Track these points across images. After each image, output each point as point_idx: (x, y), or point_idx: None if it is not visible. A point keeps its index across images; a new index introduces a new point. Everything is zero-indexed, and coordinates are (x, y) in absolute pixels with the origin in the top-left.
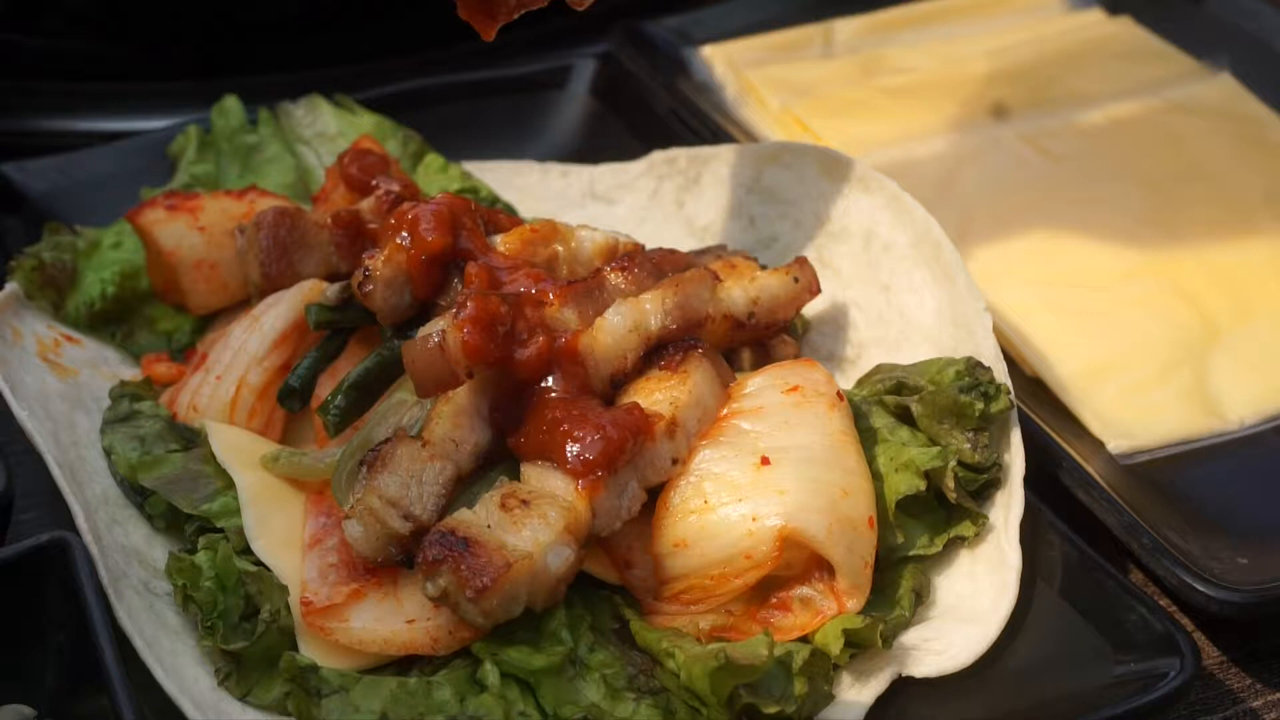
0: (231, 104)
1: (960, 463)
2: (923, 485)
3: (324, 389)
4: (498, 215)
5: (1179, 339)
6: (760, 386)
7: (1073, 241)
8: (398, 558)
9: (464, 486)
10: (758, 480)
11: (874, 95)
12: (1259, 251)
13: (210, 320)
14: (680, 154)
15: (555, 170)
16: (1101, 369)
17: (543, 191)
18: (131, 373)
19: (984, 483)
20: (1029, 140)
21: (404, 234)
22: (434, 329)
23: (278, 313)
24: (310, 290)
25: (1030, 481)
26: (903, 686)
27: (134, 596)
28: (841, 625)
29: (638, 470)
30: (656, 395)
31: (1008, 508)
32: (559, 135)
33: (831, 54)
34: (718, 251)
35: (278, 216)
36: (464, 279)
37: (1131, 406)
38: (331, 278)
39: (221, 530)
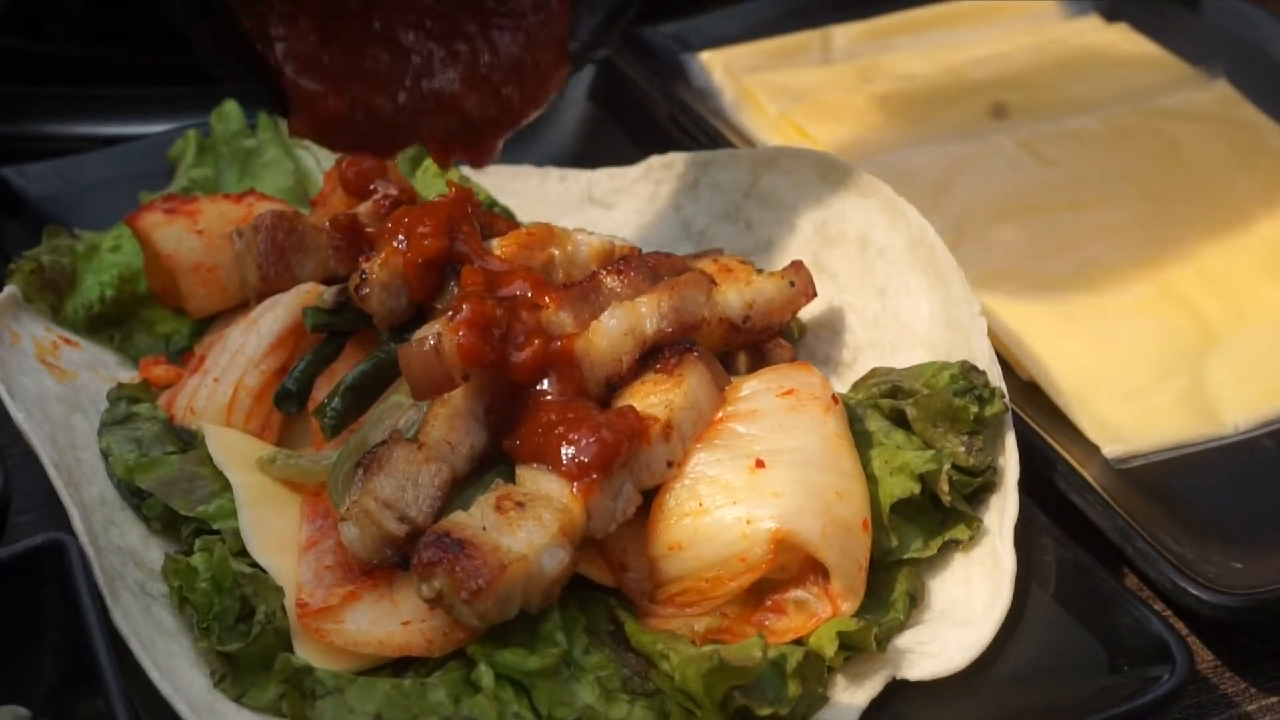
0: (231, 108)
1: (955, 466)
2: (917, 488)
3: (321, 391)
4: (495, 219)
5: (1174, 344)
6: (755, 390)
7: (1068, 246)
8: (393, 560)
9: (459, 489)
10: (752, 483)
11: (871, 101)
12: (1255, 257)
13: (208, 323)
14: (678, 159)
15: (553, 175)
16: (1097, 373)
17: (541, 196)
18: (129, 375)
19: (978, 486)
20: (1025, 145)
21: (400, 237)
22: (429, 332)
23: (275, 316)
24: (307, 293)
25: (1025, 485)
26: (897, 689)
27: (130, 598)
28: (836, 628)
29: (633, 473)
30: (652, 398)
31: (1002, 511)
32: (557, 140)
33: (829, 60)
34: (714, 255)
35: (275, 220)
36: (460, 283)
37: (1126, 411)
38: (329, 281)
39: (218, 532)
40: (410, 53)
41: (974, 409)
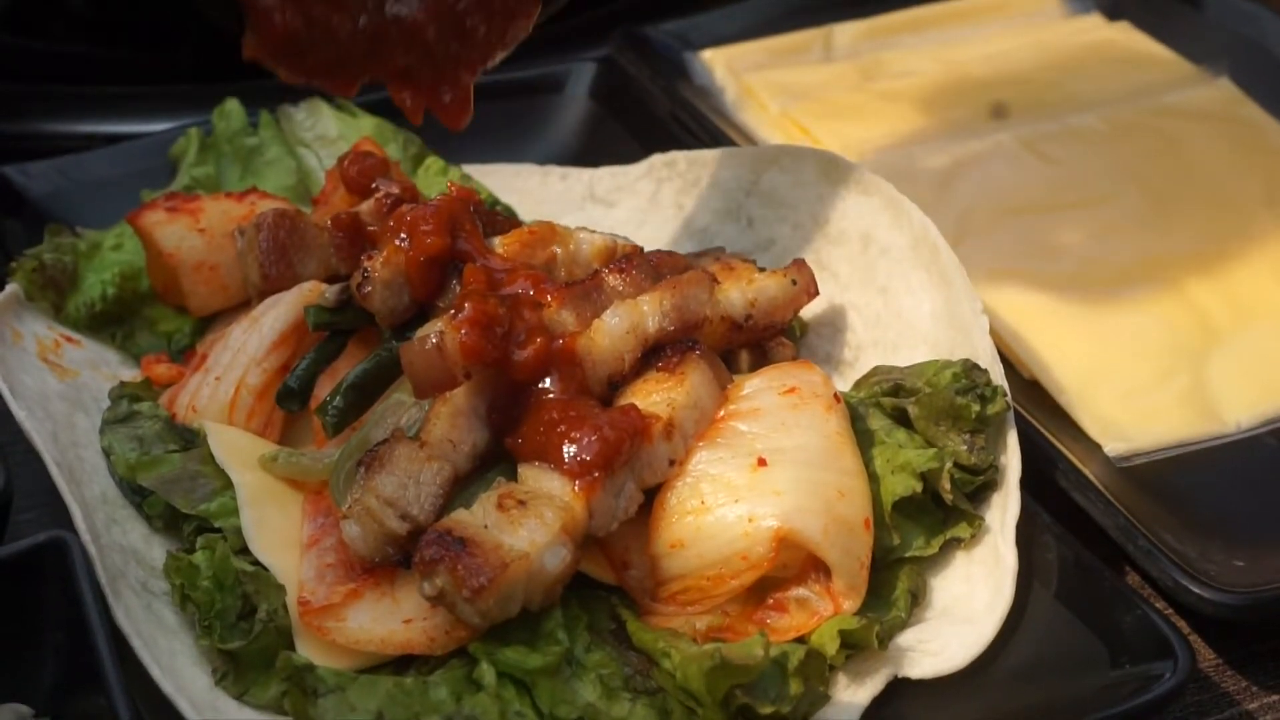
0: (233, 106)
1: (956, 464)
2: (919, 487)
3: (323, 390)
4: (496, 217)
5: (1176, 342)
6: (757, 388)
7: (1070, 245)
8: (395, 558)
9: (461, 487)
10: (754, 481)
11: (873, 99)
12: (1257, 256)
13: (210, 321)
14: (680, 157)
15: (555, 173)
16: (1099, 372)
17: (543, 194)
18: (131, 373)
19: (980, 484)
20: (1027, 144)
21: (402, 236)
22: (431, 330)
23: (277, 314)
24: (309, 292)
25: (1026, 483)
26: (899, 687)
27: (131, 596)
28: (837, 626)
29: (635, 471)
30: (654, 397)
31: (1004, 509)
32: (559, 138)
33: (831, 58)
34: (716, 254)
35: (277, 218)
36: (461, 281)
37: (1128, 409)
38: (331, 279)
39: (220, 530)
40: None
41: (976, 407)
